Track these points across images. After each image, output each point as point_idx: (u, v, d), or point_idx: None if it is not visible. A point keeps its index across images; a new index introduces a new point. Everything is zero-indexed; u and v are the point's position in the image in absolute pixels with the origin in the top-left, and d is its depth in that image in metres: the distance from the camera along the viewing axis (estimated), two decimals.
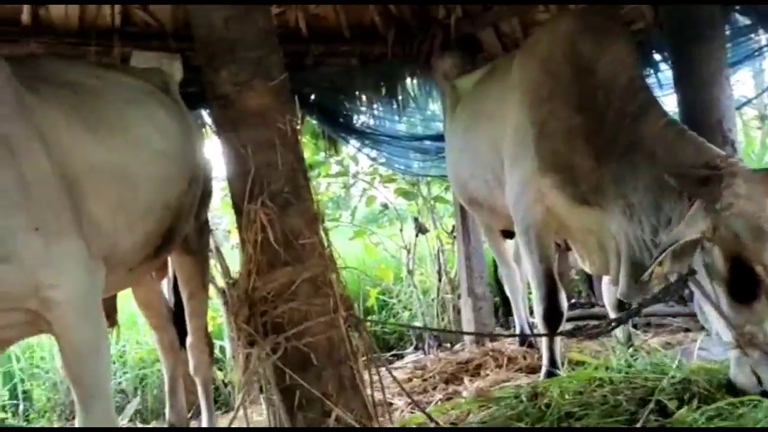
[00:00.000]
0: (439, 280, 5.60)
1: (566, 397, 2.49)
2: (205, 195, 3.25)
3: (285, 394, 2.43)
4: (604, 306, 4.09)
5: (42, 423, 4.66)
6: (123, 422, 4.31)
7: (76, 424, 2.21)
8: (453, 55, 4.52)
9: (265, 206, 2.44)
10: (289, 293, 2.42)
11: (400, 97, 4.96)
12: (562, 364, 3.31)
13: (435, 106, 5.23)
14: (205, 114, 4.43)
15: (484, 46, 4.67)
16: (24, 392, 5.05)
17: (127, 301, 3.78)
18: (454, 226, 5.24)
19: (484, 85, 3.90)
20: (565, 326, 3.21)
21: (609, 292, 3.71)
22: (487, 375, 3.67)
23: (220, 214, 5.76)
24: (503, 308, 5.32)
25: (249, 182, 2.46)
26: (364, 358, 2.53)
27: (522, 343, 4.24)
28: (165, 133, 2.78)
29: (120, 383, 4.93)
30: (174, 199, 2.74)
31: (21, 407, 4.96)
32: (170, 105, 3.00)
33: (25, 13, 3.81)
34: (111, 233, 2.37)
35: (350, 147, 5.44)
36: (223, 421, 3.70)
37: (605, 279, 3.70)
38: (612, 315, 3.67)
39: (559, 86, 3.10)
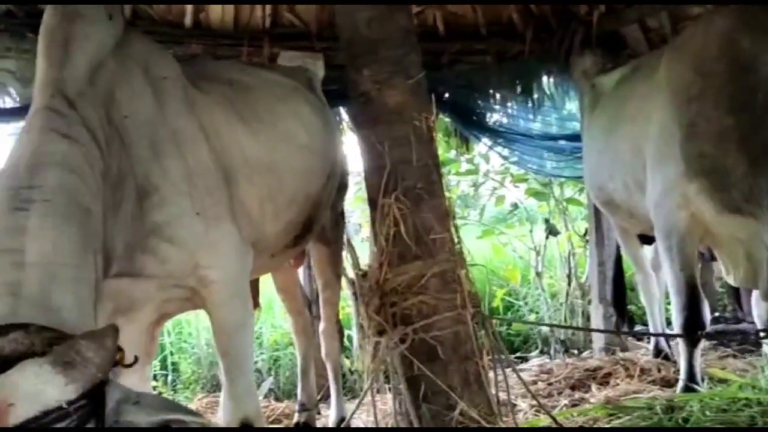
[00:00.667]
0: (569, 284, 5.44)
1: (707, 413, 2.35)
2: (342, 187, 3.40)
3: (411, 385, 2.50)
4: (752, 322, 3.79)
5: (186, 394, 5.05)
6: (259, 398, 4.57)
7: (222, 394, 2.41)
8: (594, 53, 4.36)
9: (398, 201, 2.53)
10: (418, 286, 2.49)
11: (535, 96, 4.85)
12: (702, 380, 3.12)
13: (572, 106, 5.07)
14: (342, 111, 4.61)
15: (628, 43, 4.46)
16: (173, 364, 5.51)
17: (265, 286, 4.03)
18: (587, 230, 5.07)
19: (627, 84, 3.74)
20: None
21: (759, 307, 3.44)
22: (617, 384, 3.53)
23: (353, 208, 5.95)
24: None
25: (384, 177, 2.56)
26: (489, 357, 2.54)
27: (657, 355, 4.02)
28: (309, 129, 2.93)
29: (256, 363, 5.22)
30: (314, 190, 2.89)
31: (169, 378, 5.41)
32: (314, 102, 3.15)
33: (188, 16, 4.17)
34: (259, 221, 2.54)
35: (482, 145, 5.41)
36: (350, 406, 3.84)
37: (755, 293, 3.43)
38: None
39: (712, 85, 2.90)
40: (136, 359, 1.44)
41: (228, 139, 2.44)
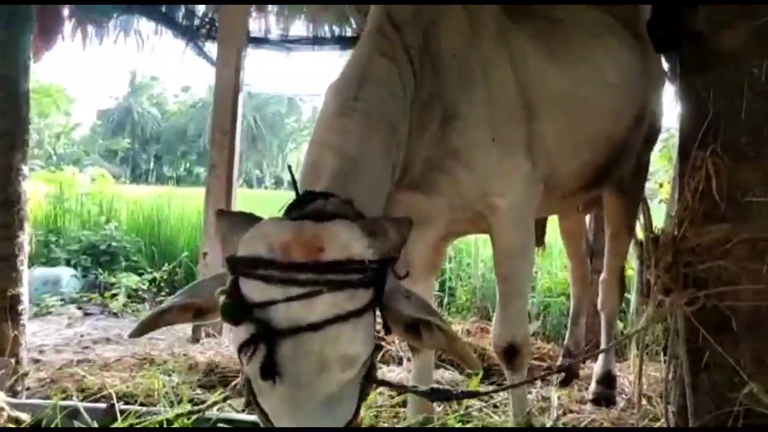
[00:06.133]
0: None
1: None
2: (651, 138, 3.20)
3: (693, 353, 2.33)
4: None
5: (459, 318, 5.37)
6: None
7: (494, 317, 2.54)
8: None
9: (715, 155, 2.30)
10: (721, 250, 2.26)
11: None
12: None
13: None
14: (663, 60, 4.26)
15: None
16: (450, 289, 5.90)
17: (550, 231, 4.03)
18: None
19: None
20: None
21: None
22: None
23: (655, 167, 5.55)
24: None
25: (703, 127, 2.34)
26: None
27: None
28: (621, 67, 2.80)
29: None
30: (618, 133, 2.77)
31: (445, 300, 5.81)
32: (628, 40, 2.98)
33: None
34: (554, 157, 2.53)
35: None
36: (618, 366, 3.72)
37: None
38: None
39: None
40: (407, 273, 1.57)
41: (534, 73, 2.46)
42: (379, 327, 1.49)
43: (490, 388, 3.32)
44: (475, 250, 6.11)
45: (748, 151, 2.28)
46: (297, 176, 1.70)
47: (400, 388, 2.51)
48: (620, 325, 4.75)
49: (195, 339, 4.41)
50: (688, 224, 2.36)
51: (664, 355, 2.64)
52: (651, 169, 5.60)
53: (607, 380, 3.36)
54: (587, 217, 3.99)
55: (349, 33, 5.64)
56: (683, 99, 2.50)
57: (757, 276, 2.23)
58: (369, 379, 1.48)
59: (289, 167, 1.75)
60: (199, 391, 3.29)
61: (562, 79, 2.56)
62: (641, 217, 3.81)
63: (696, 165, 2.33)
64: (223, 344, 4.17)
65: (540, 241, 3.45)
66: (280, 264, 1.34)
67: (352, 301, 1.34)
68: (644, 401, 3.00)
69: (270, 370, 1.30)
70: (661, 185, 5.77)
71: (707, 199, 2.31)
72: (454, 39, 2.31)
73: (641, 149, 3.10)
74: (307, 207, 1.51)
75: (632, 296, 4.72)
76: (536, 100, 2.44)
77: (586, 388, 3.48)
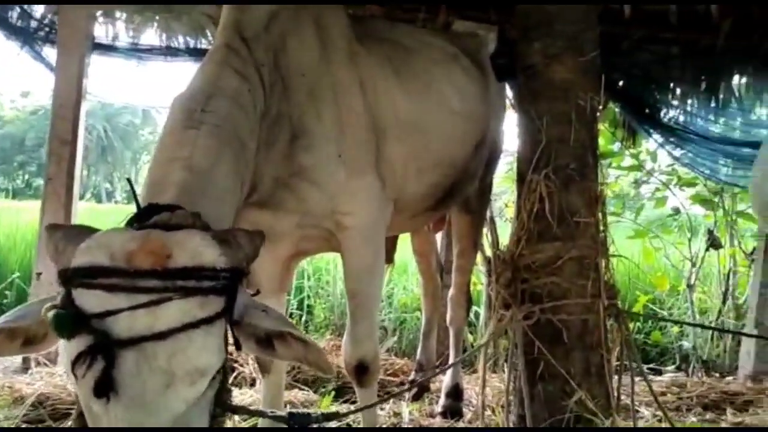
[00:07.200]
0: (723, 303, 5.03)
1: None
2: (492, 161, 3.37)
3: (530, 364, 2.48)
4: None
5: (316, 336, 5.34)
6: (381, 352, 4.74)
7: (345, 334, 2.54)
8: None
9: (548, 178, 2.48)
10: (553, 267, 2.44)
11: (721, 95, 4.47)
12: None
13: (762, 111, 4.62)
14: (507, 87, 4.55)
15: None
16: (308, 306, 5.85)
17: (402, 250, 4.13)
18: (755, 248, 4.63)
19: None
20: None
21: None
22: (757, 413, 3.23)
23: (500, 187, 5.89)
24: None
25: (537, 153, 2.52)
26: (617, 358, 2.44)
27: None
28: (462, 95, 2.92)
29: (383, 321, 5.41)
30: (461, 157, 2.89)
31: (303, 318, 5.76)
32: (470, 69, 3.11)
33: None
34: (402, 179, 2.59)
35: (651, 142, 5.09)
36: (466, 378, 3.88)
37: None
38: None
39: None
40: (257, 292, 1.53)
41: (382, 96, 2.50)
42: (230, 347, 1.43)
43: (344, 406, 3.32)
44: (334, 267, 6.13)
45: (575, 176, 2.49)
46: (140, 190, 1.60)
47: (257, 414, 2.43)
48: (471, 337, 4.97)
49: (24, 368, 3.99)
50: (524, 243, 2.53)
51: None
52: (498, 189, 5.97)
53: (455, 393, 3.48)
54: (438, 235, 4.14)
55: (204, 44, 5.47)
56: (520, 126, 2.68)
57: (583, 291, 2.43)
58: (221, 406, 1.41)
59: (129, 180, 1.64)
60: (24, 426, 2.98)
61: (409, 105, 2.62)
62: (488, 234, 4.03)
63: (531, 188, 2.50)
64: (56, 374, 3.82)
65: (390, 258, 3.53)
66: (123, 272, 1.25)
67: (203, 309, 1.28)
68: (489, 412, 3.14)
69: (105, 385, 1.19)
70: (507, 205, 6.15)
71: (541, 219, 2.49)
72: (305, 58, 2.31)
73: (484, 172, 3.26)
74: (150, 220, 1.43)
75: (482, 310, 4.96)
76: (384, 123, 2.49)
77: (437, 401, 3.58)
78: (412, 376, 3.86)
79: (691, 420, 3.06)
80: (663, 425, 2.44)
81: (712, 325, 4.90)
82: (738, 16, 4.10)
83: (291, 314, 5.66)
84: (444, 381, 3.59)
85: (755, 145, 4.41)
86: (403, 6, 4.37)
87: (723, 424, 2.99)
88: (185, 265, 1.29)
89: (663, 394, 3.54)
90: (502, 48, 3.86)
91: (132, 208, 1.54)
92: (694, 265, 5.19)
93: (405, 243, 3.98)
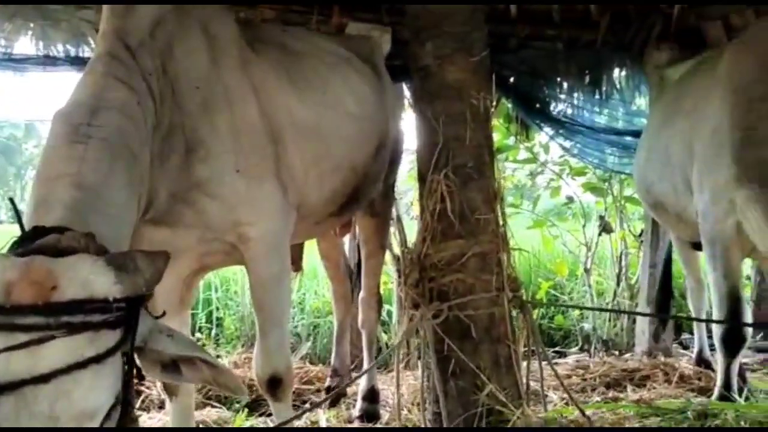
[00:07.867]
0: (618, 284, 5.33)
1: (742, 423, 2.27)
2: (394, 162, 3.40)
3: (441, 361, 2.52)
4: None
5: (228, 348, 5.20)
6: (295, 360, 4.68)
7: (255, 347, 2.47)
8: (671, 47, 4.19)
9: (447, 178, 2.52)
10: (458, 264, 2.49)
11: (604, 88, 4.71)
12: (751, 393, 3.02)
13: (642, 101, 4.92)
14: (405, 88, 4.60)
15: (708, 40, 4.27)
16: (218, 319, 5.68)
17: (311, 255, 4.09)
18: (642, 230, 4.94)
19: (688, 79, 3.55)
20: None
21: None
22: (654, 388, 3.45)
23: (405, 186, 5.96)
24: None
25: (436, 153, 2.56)
26: (525, 347, 2.52)
27: (698, 363, 3.93)
28: (358, 98, 2.92)
29: (296, 327, 5.35)
30: (362, 160, 2.88)
31: (213, 332, 5.59)
32: (366, 72, 3.12)
33: None
34: (303, 185, 2.55)
35: (543, 134, 5.31)
36: (382, 378, 3.89)
37: None
38: None
39: None
40: (164, 313, 1.47)
41: (277, 101, 2.46)
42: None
43: (259, 420, 3.24)
44: (242, 277, 5.98)
45: (473, 174, 2.54)
46: (25, 210, 1.48)
47: None
48: (385, 336, 4.99)
49: None
50: (430, 242, 2.56)
51: None
52: (404, 187, 6.03)
53: (371, 396, 3.48)
54: (346, 238, 4.12)
55: (87, 53, 5.17)
56: (418, 128, 2.71)
57: (488, 285, 2.49)
58: None
59: (11, 199, 1.53)
60: None
61: (305, 110, 2.59)
62: (396, 234, 4.06)
63: (432, 188, 2.53)
64: None
65: (298, 266, 3.48)
66: (0, 308, 1.15)
67: (92, 346, 1.19)
68: (406, 411, 3.17)
69: None
70: (412, 203, 6.23)
71: (444, 218, 2.53)
72: (194, 65, 2.22)
73: (387, 173, 3.28)
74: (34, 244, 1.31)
75: (394, 308, 5.00)
76: (281, 129, 2.44)
77: (354, 405, 3.56)
78: (327, 383, 3.82)
79: (596, 399, 3.23)
80: (570, 408, 2.54)
81: (609, 306, 5.18)
82: (614, 13, 4.36)
83: (200, 328, 5.49)
84: (360, 384, 3.58)
85: (637, 133, 4.69)
86: (294, 8, 4.31)
87: (624, 401, 3.16)
88: (72, 298, 1.20)
89: (569, 376, 3.71)
90: (396, 49, 3.91)
91: (18, 230, 1.43)
92: (589, 249, 5.46)
93: (314, 247, 3.94)
